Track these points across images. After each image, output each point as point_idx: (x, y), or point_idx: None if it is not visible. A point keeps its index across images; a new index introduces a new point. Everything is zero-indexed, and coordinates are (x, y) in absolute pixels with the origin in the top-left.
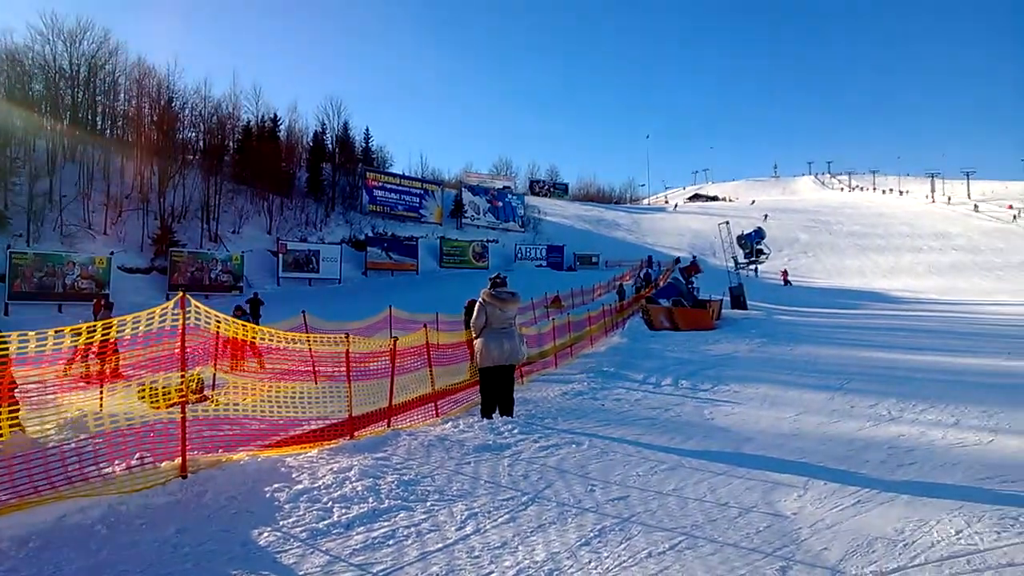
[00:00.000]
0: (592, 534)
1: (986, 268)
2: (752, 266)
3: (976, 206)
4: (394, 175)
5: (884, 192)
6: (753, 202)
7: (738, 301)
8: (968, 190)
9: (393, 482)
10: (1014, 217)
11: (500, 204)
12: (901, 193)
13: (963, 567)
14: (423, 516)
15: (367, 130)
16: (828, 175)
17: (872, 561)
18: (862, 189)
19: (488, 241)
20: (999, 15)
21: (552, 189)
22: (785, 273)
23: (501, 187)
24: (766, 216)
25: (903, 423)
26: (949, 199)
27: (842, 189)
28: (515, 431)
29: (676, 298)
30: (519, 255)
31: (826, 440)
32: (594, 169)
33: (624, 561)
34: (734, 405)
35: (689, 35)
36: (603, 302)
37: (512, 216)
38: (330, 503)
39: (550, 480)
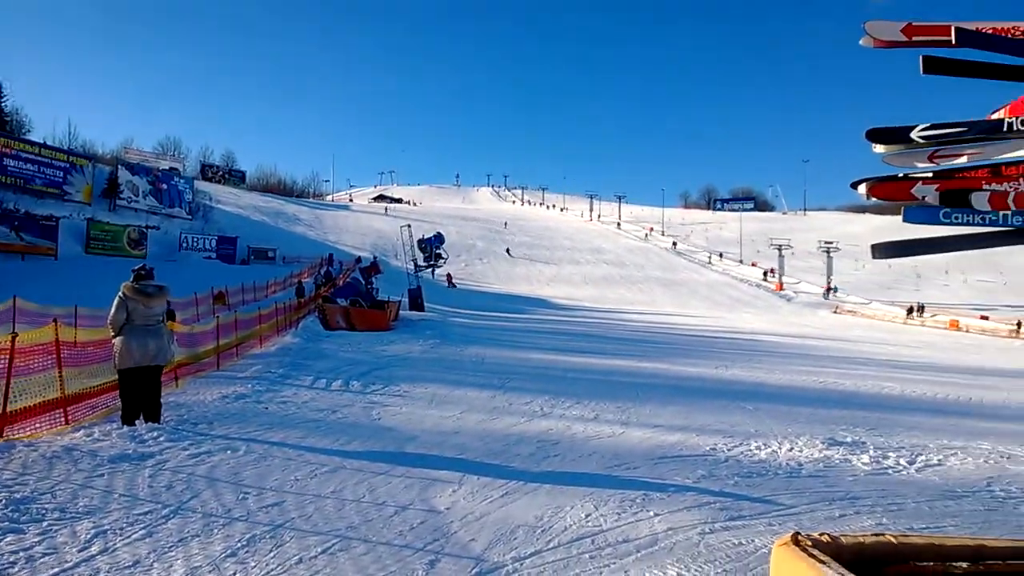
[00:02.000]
0: (240, 544)
1: (630, 280)
2: (430, 269)
3: (619, 224)
4: (32, 143)
5: (549, 207)
6: (506, 224)
7: (416, 303)
8: (619, 212)
9: (0, 502)
10: (646, 236)
11: (165, 187)
12: (562, 210)
13: (588, 546)
14: (37, 539)
15: None
16: (505, 188)
17: (513, 548)
18: (532, 204)
19: (148, 227)
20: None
21: (227, 176)
22: (450, 276)
23: (167, 168)
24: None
25: (552, 418)
26: (598, 217)
27: (513, 202)
28: (161, 438)
29: (354, 298)
30: (185, 245)
31: (484, 436)
32: (275, 159)
33: (272, 570)
34: (403, 405)
35: (384, 37)
36: (277, 299)
37: (179, 201)
38: None
39: (198, 490)
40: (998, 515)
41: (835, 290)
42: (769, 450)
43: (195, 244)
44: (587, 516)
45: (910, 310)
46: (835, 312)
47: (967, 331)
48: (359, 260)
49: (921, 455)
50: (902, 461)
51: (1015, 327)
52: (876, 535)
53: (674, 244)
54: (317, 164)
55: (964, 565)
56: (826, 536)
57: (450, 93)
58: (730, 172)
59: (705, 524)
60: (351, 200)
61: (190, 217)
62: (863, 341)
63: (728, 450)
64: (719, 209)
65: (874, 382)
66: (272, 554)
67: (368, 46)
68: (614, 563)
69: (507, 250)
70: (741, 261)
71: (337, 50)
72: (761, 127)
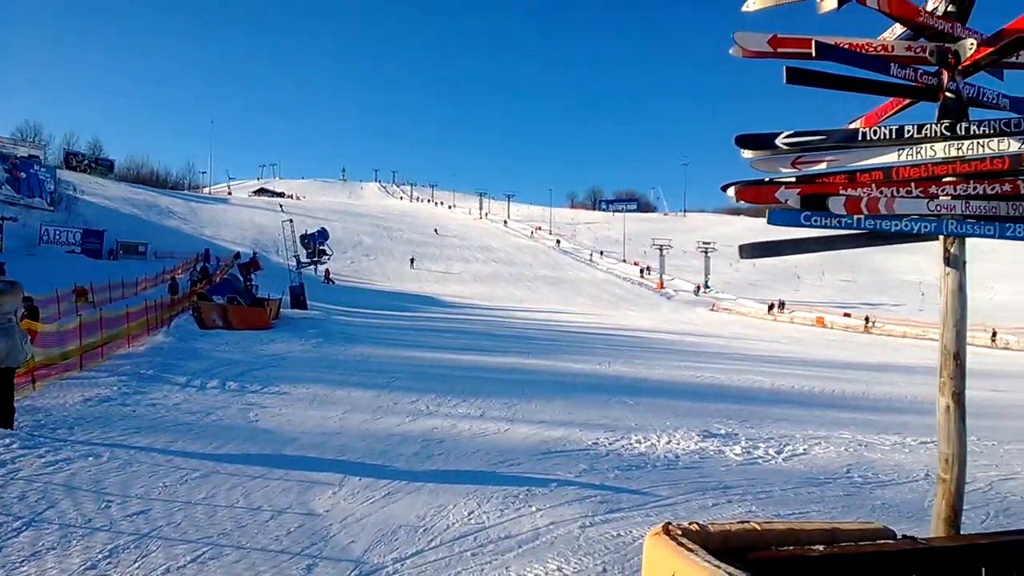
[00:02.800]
0: (101, 556)
1: (519, 278)
2: (314, 266)
3: (506, 222)
4: None
5: (438, 204)
6: (436, 230)
7: (298, 300)
8: (508, 210)
9: None
10: (531, 233)
11: (23, 176)
12: (450, 207)
13: (470, 544)
14: None
15: None
16: (393, 184)
17: (394, 548)
18: (422, 200)
19: (4, 219)
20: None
21: (94, 165)
22: (328, 272)
23: (26, 155)
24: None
25: (438, 417)
26: (486, 215)
27: (401, 198)
28: (13, 445)
29: (232, 295)
30: (46, 238)
31: (367, 436)
32: (148, 149)
33: None
34: (282, 406)
35: (262, 27)
36: (148, 297)
37: (39, 191)
38: None
39: (54, 500)
40: (856, 499)
41: (707, 287)
42: (648, 443)
43: (57, 237)
44: (470, 514)
45: (771, 306)
46: (712, 310)
47: (831, 327)
48: (238, 256)
49: (788, 445)
50: (771, 451)
51: (865, 322)
52: (741, 523)
53: (558, 242)
54: (193, 155)
55: (820, 548)
56: (695, 525)
57: (333, 85)
58: (615, 174)
59: (586, 517)
60: (230, 193)
61: (52, 208)
62: (738, 337)
63: (610, 444)
64: (604, 210)
65: (747, 376)
66: (137, 565)
67: (243, 36)
68: (496, 559)
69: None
70: (624, 260)
71: (211, 45)
72: (644, 131)
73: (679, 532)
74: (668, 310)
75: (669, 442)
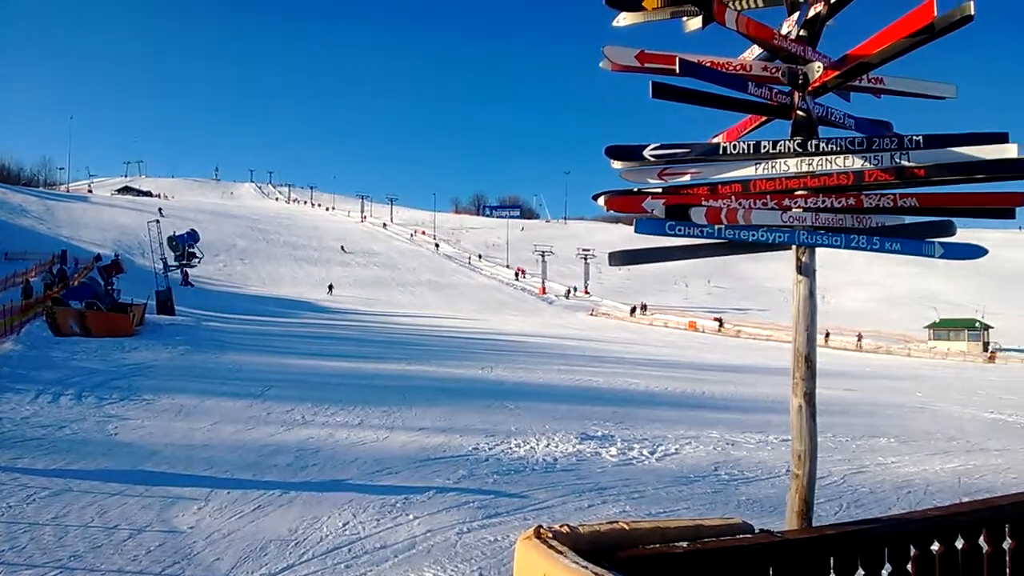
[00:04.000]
0: None
1: (401, 283)
2: (182, 269)
3: (385, 224)
4: None
5: (316, 206)
6: (343, 247)
7: (165, 306)
8: (391, 214)
9: None
10: (411, 236)
11: None
12: (328, 209)
13: (344, 556)
14: None
15: None
16: (270, 184)
17: (263, 564)
18: (300, 202)
19: None
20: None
21: None
22: (186, 274)
23: None
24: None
25: (314, 426)
26: (365, 219)
27: (277, 199)
28: None
29: (91, 300)
30: None
31: (238, 448)
32: None
33: None
34: (144, 418)
35: (126, 17)
36: None
37: None
38: None
39: None
40: (722, 496)
41: (575, 290)
42: (528, 447)
43: None
44: (345, 524)
45: (633, 309)
46: (591, 314)
47: (703, 331)
48: (98, 258)
49: (661, 445)
50: (645, 452)
51: (719, 325)
52: (610, 523)
53: (436, 246)
54: (50, 150)
55: (684, 545)
56: (566, 528)
57: (205, 81)
58: (499, 181)
59: (463, 524)
60: (90, 191)
61: None
62: (616, 341)
63: (489, 449)
64: (488, 215)
65: (624, 379)
66: None
67: (102, 28)
68: (370, 571)
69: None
70: (508, 266)
71: (65, 34)
72: (529, 140)
73: (550, 535)
74: (550, 315)
75: (548, 445)
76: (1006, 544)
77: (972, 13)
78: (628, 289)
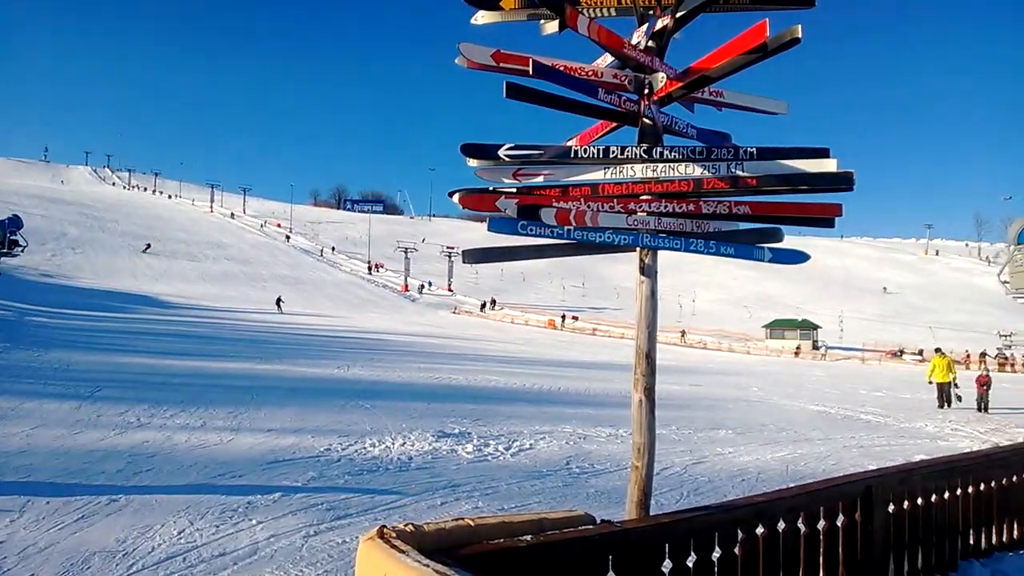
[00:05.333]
0: None
1: (254, 278)
2: (4, 259)
3: (233, 214)
4: None
5: (158, 194)
6: (148, 246)
7: None
8: (244, 205)
9: None
10: (262, 225)
11: None
12: (171, 197)
13: (179, 566)
14: None
15: None
16: (108, 168)
17: None
18: (143, 189)
19: None
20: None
21: None
22: None
23: None
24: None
25: (151, 429)
26: (213, 209)
27: (115, 184)
28: None
29: None
30: None
31: (61, 454)
32: None
33: None
34: None
35: None
36: None
37: None
38: None
39: None
40: (572, 489)
41: (430, 285)
42: (383, 446)
43: None
44: (180, 532)
45: (483, 305)
46: (455, 312)
47: (562, 329)
48: None
49: (516, 441)
50: (500, 447)
51: (562, 320)
52: (456, 520)
53: (287, 237)
54: None
55: (528, 538)
56: (410, 527)
57: (38, 51)
58: (361, 174)
59: (311, 526)
60: None
61: None
62: (477, 339)
63: (342, 449)
64: (349, 209)
65: (483, 376)
66: None
67: None
68: None
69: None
70: (369, 262)
71: None
72: (391, 135)
73: (393, 535)
74: (412, 312)
75: (404, 444)
76: (820, 525)
77: (799, 36)
78: (493, 288)
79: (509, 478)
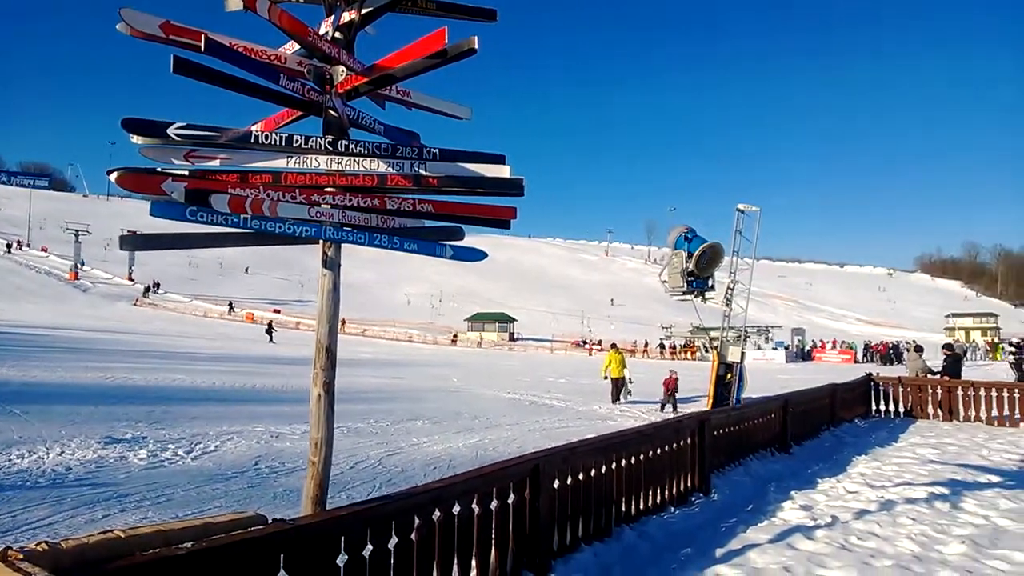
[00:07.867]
0: None
1: None
2: None
3: None
4: None
5: None
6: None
7: None
8: None
9: None
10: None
11: None
12: None
13: None
14: None
15: None
16: None
17: None
18: None
19: None
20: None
21: None
22: None
23: None
24: None
25: None
26: None
27: None
28: None
29: None
30: None
31: None
32: None
33: None
34: None
35: None
36: None
37: None
38: None
39: None
40: (259, 489)
41: (83, 264)
42: (35, 457)
43: None
44: None
45: (146, 289)
46: (136, 304)
47: (262, 323)
48: None
49: (200, 443)
50: (180, 452)
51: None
52: (102, 533)
53: None
54: None
55: (189, 545)
56: (43, 545)
57: None
58: (18, 142)
59: None
60: None
61: None
62: (163, 334)
63: None
64: (6, 183)
65: (166, 375)
66: None
67: None
68: None
69: None
70: (29, 245)
71: None
72: (59, 101)
73: (20, 556)
74: (83, 304)
75: (61, 453)
76: (493, 505)
77: (476, 47)
78: (184, 277)
79: (188, 484)
